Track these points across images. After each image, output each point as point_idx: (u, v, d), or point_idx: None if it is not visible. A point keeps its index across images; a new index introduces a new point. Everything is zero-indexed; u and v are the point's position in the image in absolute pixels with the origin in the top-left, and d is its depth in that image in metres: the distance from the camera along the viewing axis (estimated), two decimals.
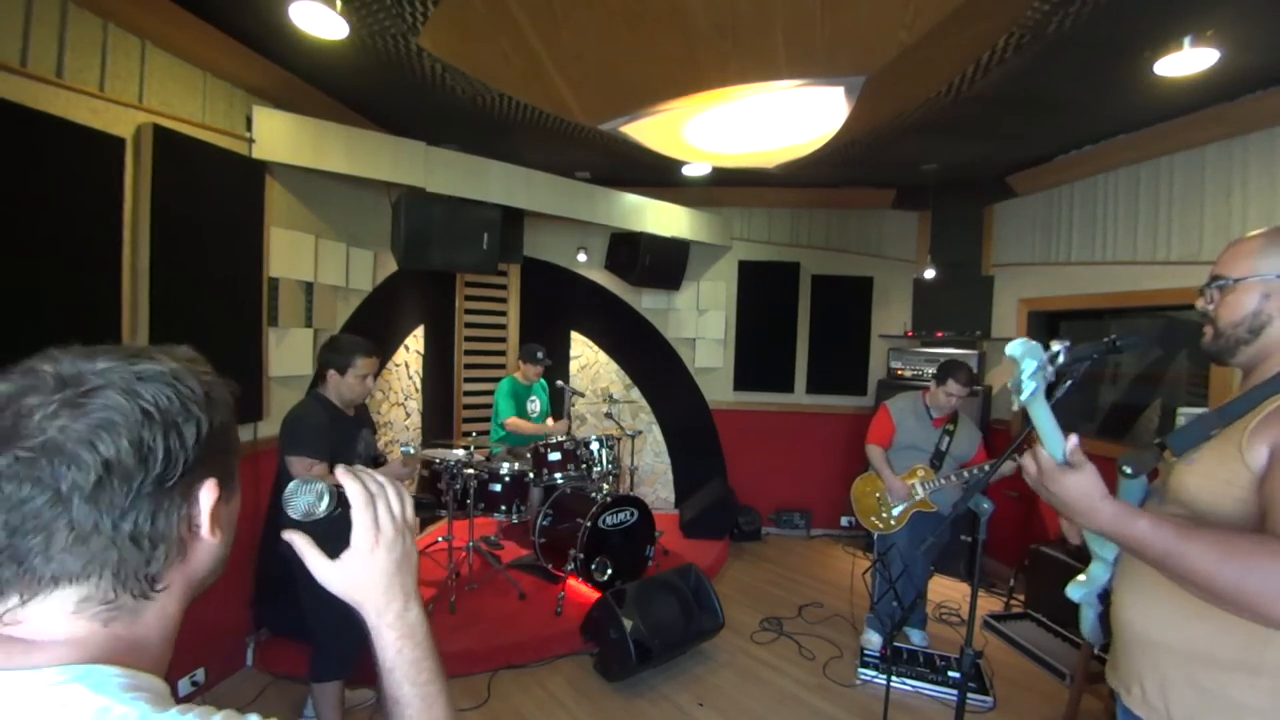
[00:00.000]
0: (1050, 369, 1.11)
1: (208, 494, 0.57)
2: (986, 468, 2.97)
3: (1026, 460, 1.13)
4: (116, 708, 0.49)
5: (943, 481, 3.34)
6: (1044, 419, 1.12)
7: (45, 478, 0.49)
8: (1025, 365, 1.09)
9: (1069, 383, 1.20)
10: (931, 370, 4.83)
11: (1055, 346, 1.14)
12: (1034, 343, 1.11)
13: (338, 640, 2.40)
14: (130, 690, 0.51)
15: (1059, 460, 1.09)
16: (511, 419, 4.37)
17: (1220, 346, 1.21)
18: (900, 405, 3.52)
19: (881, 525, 3.46)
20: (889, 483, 3.39)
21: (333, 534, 0.74)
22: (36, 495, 0.49)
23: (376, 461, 2.58)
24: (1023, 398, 1.10)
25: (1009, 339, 1.13)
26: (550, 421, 4.62)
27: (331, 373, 2.46)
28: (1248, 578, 0.93)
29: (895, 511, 3.42)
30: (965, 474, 3.30)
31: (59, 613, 0.52)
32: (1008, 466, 2.99)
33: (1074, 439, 1.08)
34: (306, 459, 2.28)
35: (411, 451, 2.61)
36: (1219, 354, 1.22)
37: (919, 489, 3.38)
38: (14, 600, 0.52)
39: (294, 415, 2.40)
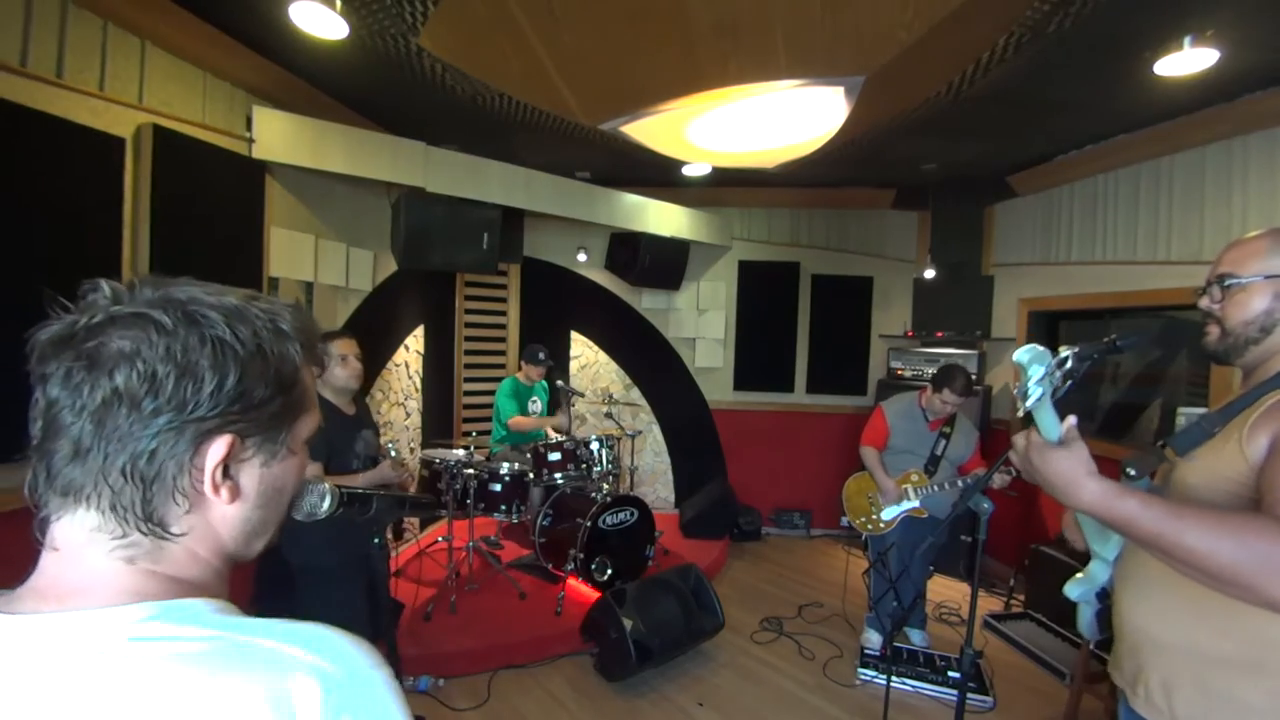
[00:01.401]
0: (1058, 374, 1.09)
1: (217, 449, 0.54)
2: (980, 473, 2.96)
3: (1018, 438, 1.11)
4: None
5: (935, 489, 3.33)
6: (1048, 422, 1.12)
7: (75, 384, 0.51)
8: (1032, 371, 1.07)
9: (1069, 383, 1.19)
10: (932, 370, 4.84)
11: (1064, 352, 1.12)
12: (1042, 349, 1.09)
13: None
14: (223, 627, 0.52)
15: (1052, 440, 1.07)
16: (515, 418, 4.39)
17: (1228, 346, 1.19)
18: (895, 408, 3.50)
19: (871, 527, 3.46)
20: (882, 484, 3.38)
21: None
22: (66, 401, 0.51)
23: (375, 463, 2.58)
24: (1029, 404, 1.08)
25: (1009, 339, 1.11)
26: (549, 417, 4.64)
27: (315, 370, 2.45)
28: (1244, 556, 0.90)
29: (886, 515, 3.41)
30: (960, 482, 3.29)
31: (79, 543, 0.52)
32: (1000, 479, 2.98)
33: (1071, 419, 1.05)
34: None
35: (394, 454, 2.62)
36: (1225, 354, 1.21)
37: (911, 494, 3.37)
38: (47, 506, 0.53)
39: None
